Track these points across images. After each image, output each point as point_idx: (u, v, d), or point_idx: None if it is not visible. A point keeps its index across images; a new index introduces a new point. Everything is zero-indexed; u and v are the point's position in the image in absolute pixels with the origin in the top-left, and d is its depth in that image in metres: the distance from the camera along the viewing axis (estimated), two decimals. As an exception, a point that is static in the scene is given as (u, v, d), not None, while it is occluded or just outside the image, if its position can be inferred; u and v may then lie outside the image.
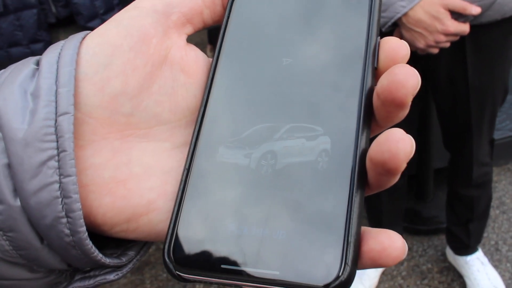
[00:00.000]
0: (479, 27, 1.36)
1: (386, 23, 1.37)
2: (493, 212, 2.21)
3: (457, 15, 1.31)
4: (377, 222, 1.97)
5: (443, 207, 1.94)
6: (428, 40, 1.34)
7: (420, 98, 1.71)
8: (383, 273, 2.01)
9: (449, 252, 1.99)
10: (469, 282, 1.89)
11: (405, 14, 1.33)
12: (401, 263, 2.07)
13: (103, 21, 1.77)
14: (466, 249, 1.90)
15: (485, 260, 1.91)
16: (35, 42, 1.72)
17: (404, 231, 2.16)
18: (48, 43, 1.73)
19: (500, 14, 1.34)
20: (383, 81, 0.25)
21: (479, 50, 1.44)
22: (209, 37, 3.02)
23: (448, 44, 1.36)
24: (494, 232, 2.15)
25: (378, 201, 1.85)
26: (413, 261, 2.08)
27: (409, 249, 2.13)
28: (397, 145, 0.23)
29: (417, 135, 2.13)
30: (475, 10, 1.28)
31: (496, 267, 1.96)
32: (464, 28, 1.32)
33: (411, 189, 2.24)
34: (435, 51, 1.37)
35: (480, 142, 1.62)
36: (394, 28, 1.43)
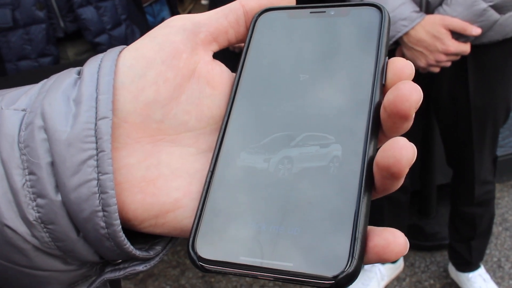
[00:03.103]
0: (480, 47, 1.38)
1: (387, 42, 1.39)
2: (495, 229, 2.21)
3: (457, 35, 1.33)
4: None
5: (446, 223, 1.94)
6: (429, 59, 1.35)
7: (422, 115, 1.72)
8: (385, 289, 2.02)
9: (452, 269, 1.99)
10: (471, 299, 1.89)
11: (406, 33, 1.35)
12: (403, 279, 2.07)
13: (110, 36, 1.79)
14: (468, 265, 1.90)
15: (487, 277, 1.90)
16: (44, 56, 1.74)
17: (407, 247, 2.16)
18: (56, 57, 1.75)
19: (501, 35, 1.36)
20: (389, 96, 0.27)
21: (481, 69, 1.45)
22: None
23: (449, 64, 1.37)
24: (497, 249, 2.15)
25: (380, 217, 1.85)
26: (416, 277, 2.08)
27: (412, 265, 2.13)
28: (401, 152, 0.26)
29: (420, 151, 2.14)
30: (475, 31, 1.30)
31: (498, 284, 1.96)
32: (465, 48, 1.34)
33: (414, 205, 2.24)
34: (436, 70, 1.39)
35: (482, 161, 1.63)
36: (396, 47, 1.45)
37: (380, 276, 1.97)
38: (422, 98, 0.27)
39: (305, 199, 0.27)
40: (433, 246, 2.17)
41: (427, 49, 1.34)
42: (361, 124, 0.28)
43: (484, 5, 1.27)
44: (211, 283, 2.14)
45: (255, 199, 0.28)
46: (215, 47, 0.34)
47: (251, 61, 0.34)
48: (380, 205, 1.85)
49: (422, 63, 1.37)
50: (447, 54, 1.34)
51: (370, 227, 0.27)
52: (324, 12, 0.34)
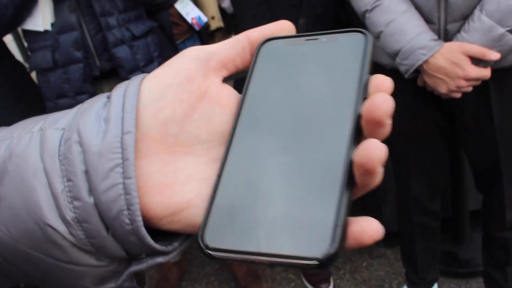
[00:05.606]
0: (501, 70, 1.39)
1: (408, 70, 1.42)
2: (533, 255, 2.15)
3: (477, 60, 1.34)
4: (412, 265, 1.95)
5: (480, 250, 1.91)
6: (450, 85, 1.37)
7: (450, 139, 1.72)
8: (420, 317, 1.98)
9: (488, 296, 1.94)
10: (509, 327, 1.84)
11: (426, 61, 1.38)
12: (438, 306, 2.03)
13: (143, 72, 1.86)
14: (504, 292, 1.86)
15: (525, 304, 1.86)
16: (81, 94, 1.83)
17: (442, 274, 2.13)
18: (92, 95, 1.83)
19: (522, 58, 1.37)
20: (365, 105, 0.32)
21: (503, 92, 1.46)
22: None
23: (470, 89, 1.39)
24: (535, 276, 2.09)
25: (412, 243, 1.85)
26: (451, 305, 2.04)
27: (447, 292, 2.10)
28: (372, 151, 0.30)
29: (451, 177, 2.13)
30: (494, 55, 1.31)
31: (538, 312, 1.90)
32: (485, 73, 1.35)
33: (448, 231, 2.22)
34: (458, 95, 1.40)
35: (511, 184, 1.62)
36: (417, 74, 1.47)
37: (414, 304, 1.95)
38: (393, 107, 0.31)
39: (296, 194, 0.32)
40: (468, 273, 2.13)
41: (448, 76, 1.36)
42: (345, 131, 0.33)
43: (502, 30, 1.29)
44: (245, 312, 2.14)
45: (253, 197, 0.33)
46: (225, 73, 0.40)
47: (254, 85, 0.39)
48: (411, 233, 1.84)
49: (443, 89, 1.39)
50: (467, 79, 1.35)
51: (350, 218, 0.31)
52: (317, 39, 0.39)
